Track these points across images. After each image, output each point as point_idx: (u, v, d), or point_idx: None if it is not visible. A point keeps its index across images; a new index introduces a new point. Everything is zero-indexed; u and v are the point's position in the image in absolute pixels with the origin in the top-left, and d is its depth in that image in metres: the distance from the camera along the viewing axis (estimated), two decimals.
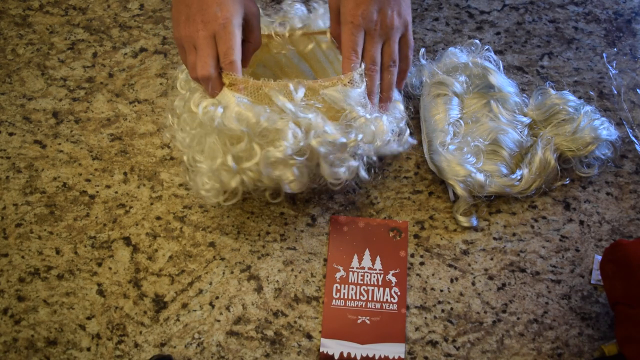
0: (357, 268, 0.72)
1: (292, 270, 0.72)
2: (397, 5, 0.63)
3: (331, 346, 0.68)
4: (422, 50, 0.81)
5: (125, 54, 0.85)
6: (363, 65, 0.63)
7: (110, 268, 0.72)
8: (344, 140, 0.61)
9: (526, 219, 0.74)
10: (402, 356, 0.68)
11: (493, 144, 0.73)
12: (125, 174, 0.77)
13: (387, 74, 0.65)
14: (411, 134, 0.72)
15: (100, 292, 0.71)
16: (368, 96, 0.64)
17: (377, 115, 0.65)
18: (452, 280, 0.71)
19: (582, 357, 0.68)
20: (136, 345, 0.69)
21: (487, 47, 0.79)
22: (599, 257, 0.72)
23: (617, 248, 0.62)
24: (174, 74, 0.79)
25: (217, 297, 0.71)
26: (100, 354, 0.68)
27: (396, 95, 0.70)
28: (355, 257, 0.72)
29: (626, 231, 0.74)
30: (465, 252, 0.73)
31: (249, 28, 0.64)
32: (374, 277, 0.71)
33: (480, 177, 0.70)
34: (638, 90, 0.81)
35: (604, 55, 0.84)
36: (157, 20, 0.87)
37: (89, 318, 0.70)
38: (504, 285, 0.71)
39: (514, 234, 0.74)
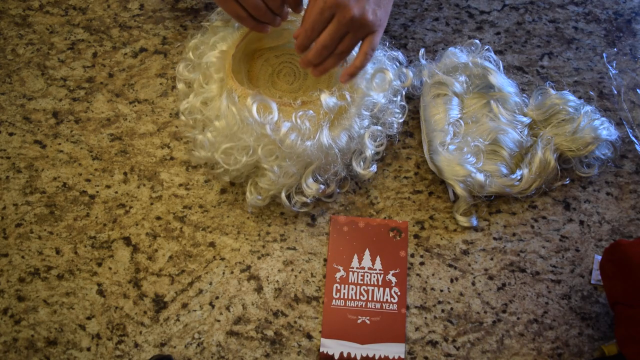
0: (357, 268, 0.72)
1: (292, 270, 0.72)
2: (377, 4, 0.61)
3: (331, 346, 0.68)
4: (422, 50, 0.80)
5: (125, 54, 0.85)
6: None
7: (110, 268, 0.72)
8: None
9: (526, 219, 0.74)
10: (402, 356, 0.68)
11: (493, 144, 0.73)
12: (125, 174, 0.77)
13: (331, 57, 0.64)
14: (411, 134, 0.72)
15: (100, 292, 0.71)
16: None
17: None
18: (452, 280, 0.71)
19: (582, 357, 0.68)
20: (136, 345, 0.69)
21: (487, 47, 0.79)
22: (599, 257, 0.72)
23: (617, 248, 0.62)
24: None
25: (217, 297, 0.71)
26: (100, 354, 0.68)
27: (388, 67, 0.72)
28: (355, 257, 0.72)
29: (626, 231, 0.74)
30: (465, 252, 0.73)
31: None
32: (374, 277, 0.71)
33: (480, 177, 0.70)
34: (638, 90, 0.81)
35: (604, 55, 0.84)
36: (157, 20, 0.87)
37: (89, 318, 0.70)
38: (504, 285, 0.71)
39: (514, 234, 0.74)
